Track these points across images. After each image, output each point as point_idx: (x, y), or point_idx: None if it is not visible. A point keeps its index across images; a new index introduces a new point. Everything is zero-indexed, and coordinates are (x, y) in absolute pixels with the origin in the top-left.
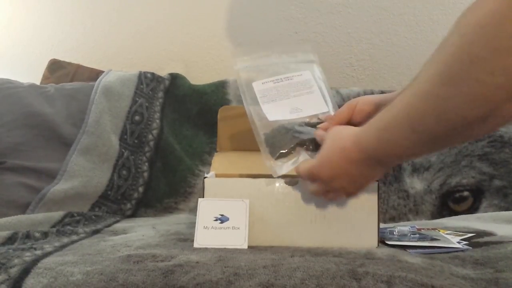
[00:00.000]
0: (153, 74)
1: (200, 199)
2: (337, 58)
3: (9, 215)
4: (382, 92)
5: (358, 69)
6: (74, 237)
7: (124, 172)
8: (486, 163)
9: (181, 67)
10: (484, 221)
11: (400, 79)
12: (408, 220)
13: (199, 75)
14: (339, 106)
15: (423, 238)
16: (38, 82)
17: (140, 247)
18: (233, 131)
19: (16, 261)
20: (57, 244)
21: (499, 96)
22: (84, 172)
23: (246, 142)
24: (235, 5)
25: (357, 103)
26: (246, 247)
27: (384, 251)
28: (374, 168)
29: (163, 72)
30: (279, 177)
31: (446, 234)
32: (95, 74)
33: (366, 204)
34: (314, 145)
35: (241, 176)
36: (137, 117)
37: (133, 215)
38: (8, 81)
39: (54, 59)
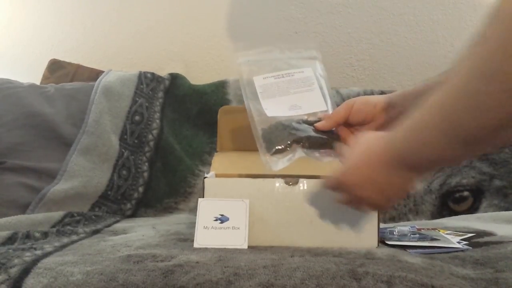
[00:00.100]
0: (153, 74)
1: (200, 199)
2: (337, 58)
3: (9, 215)
4: (382, 92)
5: (358, 69)
6: (74, 237)
7: (124, 172)
8: (486, 163)
9: (181, 67)
10: (484, 221)
11: (400, 79)
12: (408, 220)
13: (199, 75)
14: (338, 106)
15: (423, 238)
16: (38, 82)
17: (140, 247)
18: (233, 131)
19: (16, 261)
20: (57, 244)
21: None
22: (84, 172)
23: (246, 142)
24: (235, 5)
25: (354, 103)
26: (246, 247)
27: (384, 251)
28: (404, 175)
29: (163, 72)
30: (279, 176)
31: (446, 234)
32: (95, 74)
33: None
34: (310, 143)
35: (241, 176)
36: (137, 117)
37: (133, 215)
38: (8, 81)
39: (54, 59)
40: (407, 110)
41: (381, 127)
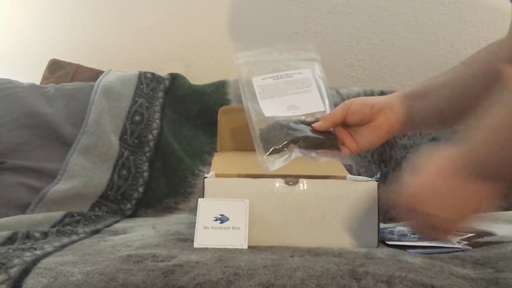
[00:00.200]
0: (153, 74)
1: (200, 199)
2: (337, 58)
3: (9, 215)
4: (382, 92)
5: (358, 69)
6: (74, 237)
7: (124, 172)
8: None
9: (181, 67)
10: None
11: (400, 79)
12: None
13: (199, 75)
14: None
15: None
16: (38, 82)
17: (140, 247)
18: (233, 131)
19: (16, 261)
20: (57, 244)
21: None
22: (84, 172)
23: (246, 142)
24: (235, 5)
25: (351, 103)
26: (246, 247)
27: (384, 251)
28: (481, 187)
29: (163, 72)
30: (279, 176)
31: None
32: (95, 74)
33: (366, 204)
34: (308, 143)
35: (241, 176)
36: (137, 117)
37: (133, 215)
38: (8, 81)
39: (54, 59)
40: (405, 112)
41: (378, 128)
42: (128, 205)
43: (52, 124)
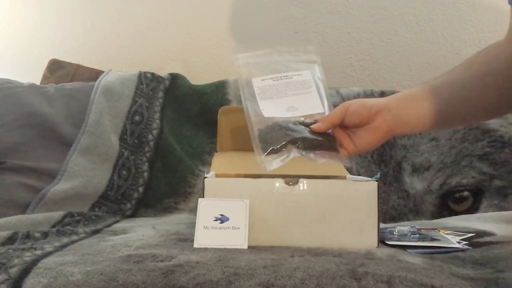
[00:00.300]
0: (153, 74)
1: (200, 199)
2: (337, 58)
3: (9, 215)
4: (382, 92)
5: (358, 69)
6: (74, 237)
7: (124, 172)
8: (486, 163)
9: (181, 67)
10: (484, 221)
11: (400, 79)
12: (408, 220)
13: (199, 75)
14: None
15: (423, 238)
16: (38, 82)
17: (140, 247)
18: (233, 131)
19: (16, 261)
20: (57, 244)
21: None
22: (84, 172)
23: (246, 142)
24: (235, 5)
25: (350, 105)
26: (246, 247)
27: (384, 251)
28: None
29: (163, 72)
30: (279, 176)
31: (446, 234)
32: (95, 74)
33: (366, 204)
34: (306, 144)
35: (241, 176)
36: (137, 117)
37: (133, 215)
38: (8, 81)
39: (54, 59)
40: (403, 113)
41: (376, 130)
42: (128, 205)
43: (52, 124)
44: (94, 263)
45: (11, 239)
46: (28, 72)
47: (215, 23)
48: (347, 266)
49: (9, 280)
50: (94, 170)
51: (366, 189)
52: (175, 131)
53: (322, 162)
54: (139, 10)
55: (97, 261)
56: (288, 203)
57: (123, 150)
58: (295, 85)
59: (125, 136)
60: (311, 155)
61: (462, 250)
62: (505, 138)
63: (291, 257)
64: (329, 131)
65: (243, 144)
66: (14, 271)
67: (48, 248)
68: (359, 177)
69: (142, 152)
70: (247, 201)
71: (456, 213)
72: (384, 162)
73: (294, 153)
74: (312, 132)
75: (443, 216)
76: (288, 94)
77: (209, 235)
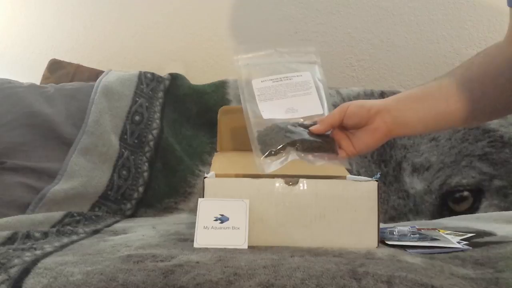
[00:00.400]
0: (153, 74)
1: (200, 199)
2: (337, 58)
3: (9, 215)
4: (382, 92)
5: (358, 69)
6: (74, 237)
7: (124, 172)
8: (486, 163)
9: (181, 67)
10: (484, 221)
11: (400, 79)
12: (408, 220)
13: (199, 75)
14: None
15: (423, 238)
16: (38, 82)
17: (140, 247)
18: (233, 131)
19: (16, 261)
20: (57, 244)
21: None
22: (84, 172)
23: (246, 142)
24: (235, 5)
25: (348, 106)
26: (246, 247)
27: (384, 251)
28: None
29: (163, 72)
30: (279, 176)
31: (446, 234)
32: (95, 74)
33: (366, 204)
34: (304, 146)
35: (241, 176)
36: (137, 117)
37: (133, 215)
38: (8, 81)
39: (54, 59)
40: (402, 114)
41: (375, 131)
42: (128, 205)
43: (52, 124)
44: (94, 263)
45: (11, 239)
46: (28, 72)
47: (215, 23)
48: (347, 266)
49: (9, 280)
50: (94, 170)
51: (366, 189)
52: (175, 131)
53: (320, 165)
54: (139, 10)
55: (97, 261)
56: (288, 203)
57: (123, 150)
58: (295, 86)
59: (125, 136)
60: (310, 157)
61: (462, 250)
62: (505, 138)
63: (291, 257)
64: (328, 132)
65: (243, 144)
66: (14, 271)
67: (48, 248)
68: (359, 177)
69: (142, 152)
70: (247, 201)
71: (456, 213)
72: (384, 162)
73: (292, 155)
74: (311, 134)
75: (443, 216)
76: (288, 96)
77: (209, 235)
